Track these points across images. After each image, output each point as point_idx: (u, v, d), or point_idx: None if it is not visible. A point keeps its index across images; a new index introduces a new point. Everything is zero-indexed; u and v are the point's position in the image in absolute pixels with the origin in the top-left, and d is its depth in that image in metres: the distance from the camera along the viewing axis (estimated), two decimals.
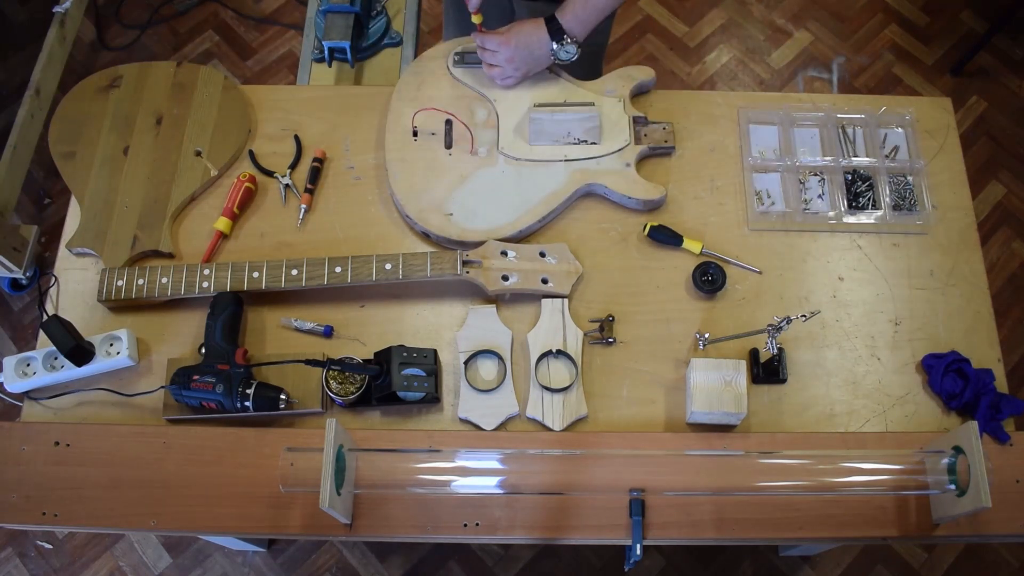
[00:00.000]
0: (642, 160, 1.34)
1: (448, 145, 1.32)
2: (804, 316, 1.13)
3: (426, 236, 1.29)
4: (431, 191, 1.29)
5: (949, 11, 2.64)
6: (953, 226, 1.32)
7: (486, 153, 1.31)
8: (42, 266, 2.21)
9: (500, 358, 1.21)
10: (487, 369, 1.21)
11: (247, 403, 1.13)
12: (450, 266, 1.21)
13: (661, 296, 1.27)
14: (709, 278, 1.25)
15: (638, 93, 1.40)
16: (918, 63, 2.55)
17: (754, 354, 1.22)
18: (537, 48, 1.28)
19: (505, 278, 1.22)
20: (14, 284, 2.19)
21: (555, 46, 1.27)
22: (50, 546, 1.96)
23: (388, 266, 1.21)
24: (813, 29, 2.61)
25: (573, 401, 1.17)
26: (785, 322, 1.11)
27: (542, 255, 1.24)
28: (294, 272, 1.21)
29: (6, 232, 2.07)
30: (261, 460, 1.13)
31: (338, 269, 1.21)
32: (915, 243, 1.30)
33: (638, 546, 1.07)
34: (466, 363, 1.20)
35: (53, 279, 1.28)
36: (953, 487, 1.05)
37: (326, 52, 1.84)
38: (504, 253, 1.23)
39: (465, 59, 1.38)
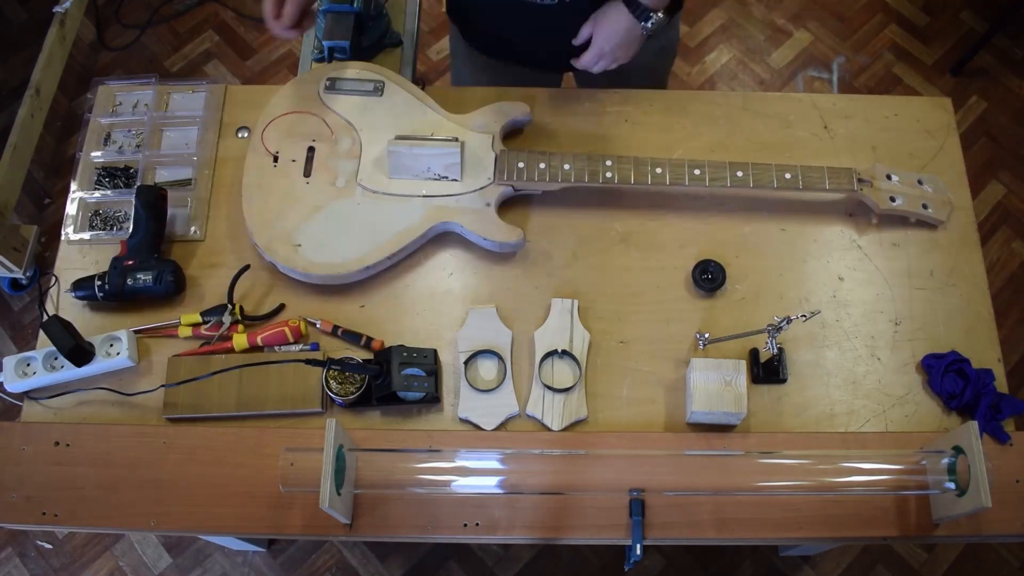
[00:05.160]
0: (510, 201, 1.29)
1: (307, 173, 1.26)
2: (804, 316, 1.13)
3: (273, 267, 1.25)
4: (282, 220, 1.23)
5: (949, 11, 2.64)
6: (953, 226, 1.32)
7: (344, 184, 1.25)
8: (42, 266, 2.21)
9: (500, 358, 1.21)
10: (487, 369, 1.21)
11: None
12: (847, 183, 1.25)
13: (661, 296, 1.27)
14: (709, 276, 1.25)
15: (513, 129, 1.35)
16: (918, 63, 2.56)
17: (754, 354, 1.22)
18: (629, 35, 1.24)
19: (892, 199, 1.26)
20: (14, 284, 2.19)
21: (643, 24, 1.23)
22: (50, 546, 1.96)
23: (788, 175, 1.25)
24: (813, 29, 2.61)
25: (574, 402, 1.18)
26: (785, 322, 1.11)
27: (920, 183, 1.29)
28: (697, 172, 1.24)
29: (6, 232, 2.07)
30: (261, 460, 1.13)
31: (739, 174, 1.25)
32: (915, 243, 1.30)
33: (638, 546, 1.07)
34: (466, 363, 1.20)
35: (53, 279, 1.28)
36: (953, 487, 1.05)
37: (326, 52, 1.84)
38: (889, 176, 1.28)
39: (336, 85, 1.33)
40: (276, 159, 1.28)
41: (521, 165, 1.25)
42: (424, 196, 1.25)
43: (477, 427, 1.17)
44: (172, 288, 1.22)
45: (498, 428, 1.17)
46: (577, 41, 1.28)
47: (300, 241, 1.22)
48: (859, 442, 1.15)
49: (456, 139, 1.24)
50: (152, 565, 1.94)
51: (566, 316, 1.22)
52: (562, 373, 1.20)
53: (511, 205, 1.30)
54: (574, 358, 1.20)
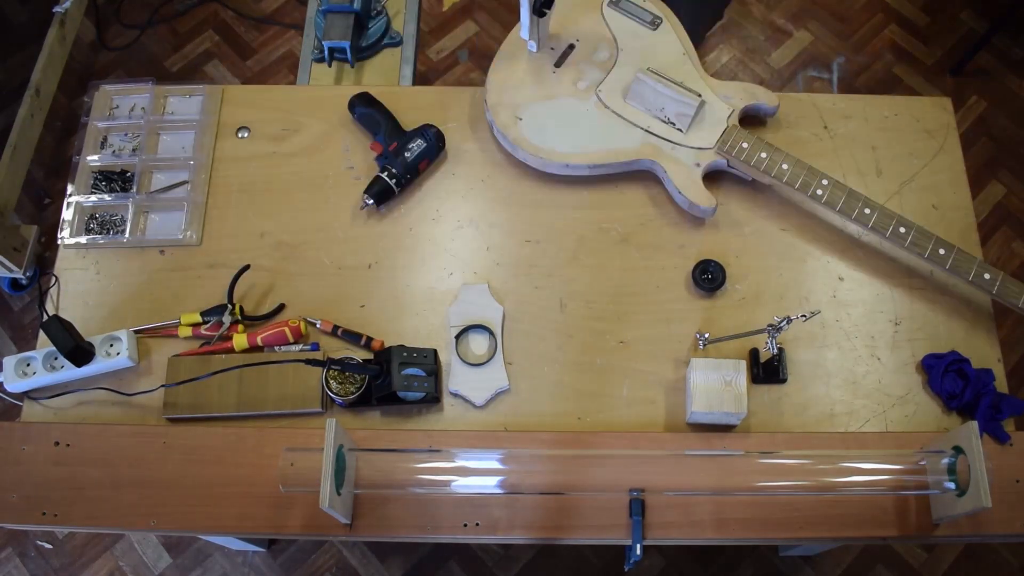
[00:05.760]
0: (716, 173, 1.32)
1: (558, 64, 1.35)
2: (804, 316, 1.13)
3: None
4: (517, 92, 1.33)
5: (949, 11, 2.64)
6: (953, 226, 1.32)
7: (584, 88, 1.33)
8: (42, 266, 2.21)
9: (491, 333, 1.22)
10: (478, 344, 1.22)
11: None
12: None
13: (661, 296, 1.27)
14: (709, 276, 1.25)
15: (753, 115, 1.37)
16: (918, 63, 2.56)
17: (754, 354, 1.22)
18: None
19: None
20: (14, 284, 2.19)
21: None
22: (50, 546, 1.96)
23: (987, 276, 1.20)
24: (813, 29, 2.61)
25: (495, 374, 1.20)
26: (785, 322, 1.11)
27: None
28: (902, 230, 1.22)
29: (6, 232, 2.07)
30: (261, 460, 1.13)
31: (942, 251, 1.20)
32: None
33: (638, 546, 1.07)
34: (457, 338, 1.21)
35: (53, 279, 1.28)
36: (953, 487, 1.05)
37: (326, 52, 1.84)
38: None
39: (620, 4, 1.40)
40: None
41: (745, 146, 1.27)
42: (646, 130, 1.31)
43: (468, 401, 1.18)
44: (442, 144, 1.34)
45: (488, 403, 1.19)
46: None
47: (523, 116, 1.32)
48: (859, 442, 1.15)
49: (699, 95, 1.29)
50: (152, 565, 1.94)
51: (483, 295, 1.25)
52: (479, 348, 1.23)
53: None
54: (489, 331, 1.22)
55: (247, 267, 1.25)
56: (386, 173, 1.30)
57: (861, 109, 1.40)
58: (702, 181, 1.28)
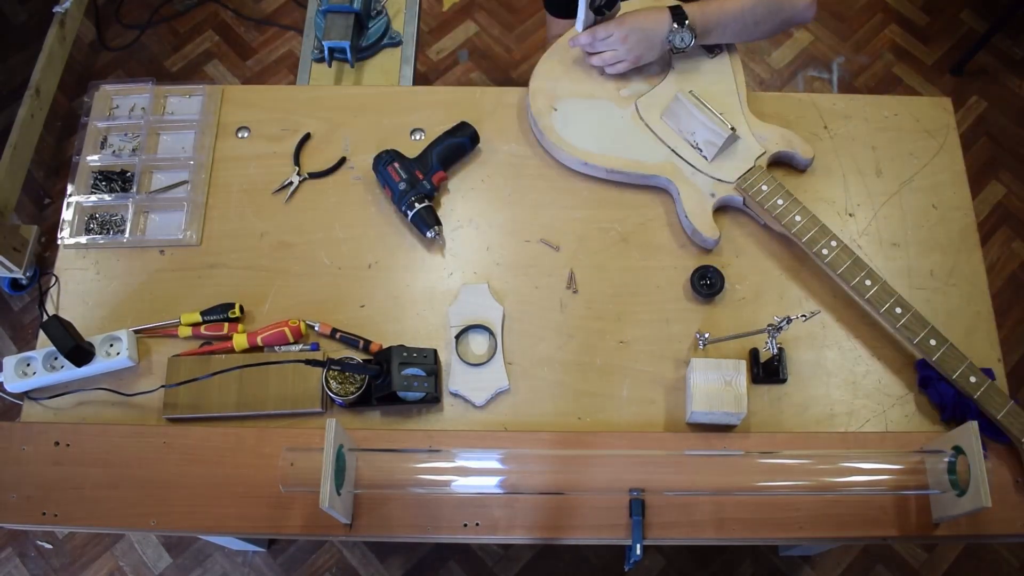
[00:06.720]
0: (728, 207, 1.31)
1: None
2: (804, 316, 1.13)
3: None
4: (559, 84, 1.36)
5: (949, 11, 2.64)
6: (953, 226, 1.32)
7: (626, 95, 1.35)
8: (42, 266, 2.21)
9: (491, 333, 1.22)
10: (478, 344, 1.23)
11: (408, 211, 1.28)
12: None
13: (661, 296, 1.27)
14: (707, 282, 1.25)
15: (785, 161, 1.35)
16: (918, 63, 2.56)
17: (754, 354, 1.22)
18: (653, 29, 1.28)
19: None
20: (14, 284, 2.19)
21: (674, 25, 1.27)
22: (50, 546, 1.96)
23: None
24: (813, 29, 2.61)
25: (494, 374, 1.20)
26: (785, 322, 1.11)
27: None
28: (898, 311, 1.18)
29: (6, 232, 2.07)
30: (261, 460, 1.13)
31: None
32: (915, 243, 1.30)
33: (638, 546, 1.07)
34: (457, 338, 1.21)
35: (53, 279, 1.28)
36: (953, 487, 1.05)
37: (326, 52, 1.84)
38: None
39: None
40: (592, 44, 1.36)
41: (764, 188, 1.26)
42: (672, 150, 1.31)
43: (467, 401, 1.18)
44: (476, 139, 1.35)
45: (488, 403, 1.19)
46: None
47: (559, 107, 1.35)
48: (859, 442, 1.15)
49: (732, 127, 1.27)
50: (152, 565, 1.94)
51: (483, 295, 1.25)
52: (479, 348, 1.23)
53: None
54: (489, 331, 1.22)
55: (309, 135, 1.33)
56: (420, 202, 1.28)
57: (861, 109, 1.40)
58: (712, 213, 1.27)
